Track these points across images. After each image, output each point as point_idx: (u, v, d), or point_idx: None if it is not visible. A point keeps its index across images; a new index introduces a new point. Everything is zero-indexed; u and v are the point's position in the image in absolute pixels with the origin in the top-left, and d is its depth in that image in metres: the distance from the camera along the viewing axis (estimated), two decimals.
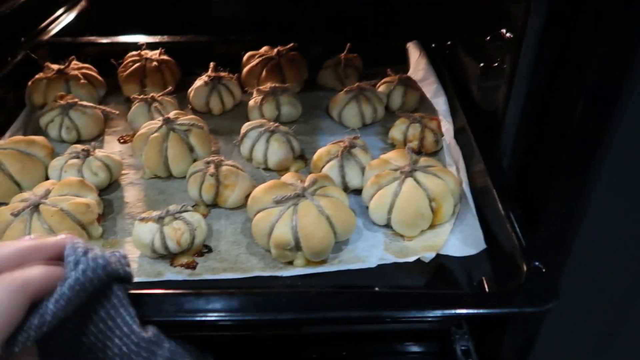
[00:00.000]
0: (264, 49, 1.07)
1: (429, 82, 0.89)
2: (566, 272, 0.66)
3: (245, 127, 0.85)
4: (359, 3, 1.25)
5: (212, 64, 1.01)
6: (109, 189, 0.81)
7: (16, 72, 1.04)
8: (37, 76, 1.00)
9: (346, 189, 0.78)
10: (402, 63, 1.08)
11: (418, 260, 0.66)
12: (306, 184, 0.69)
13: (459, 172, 0.76)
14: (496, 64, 0.79)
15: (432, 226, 0.71)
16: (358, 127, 0.93)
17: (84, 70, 1.02)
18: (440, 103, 0.84)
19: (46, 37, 1.16)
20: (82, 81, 0.99)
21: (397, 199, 0.69)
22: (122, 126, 0.97)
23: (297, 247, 0.66)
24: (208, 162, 0.76)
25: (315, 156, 0.81)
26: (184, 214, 0.69)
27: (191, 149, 0.82)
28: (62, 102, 0.91)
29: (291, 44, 1.05)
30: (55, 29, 1.20)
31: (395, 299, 0.55)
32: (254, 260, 0.68)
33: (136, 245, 0.69)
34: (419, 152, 0.86)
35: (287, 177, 0.72)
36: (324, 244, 0.65)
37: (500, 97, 0.75)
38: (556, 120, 0.67)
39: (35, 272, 0.37)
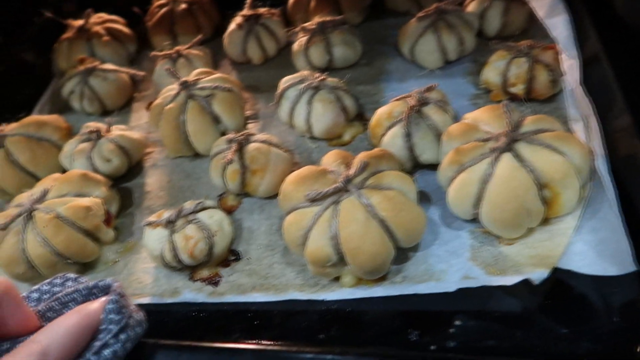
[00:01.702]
0: None
1: None
2: None
3: (282, 83, 0.65)
4: None
5: None
6: (129, 175, 0.68)
7: (44, 34, 0.92)
8: (62, 37, 0.87)
9: (416, 165, 0.56)
10: None
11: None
12: (352, 170, 0.49)
13: (589, 135, 0.50)
14: None
15: (545, 221, 0.48)
16: (438, 66, 0.69)
17: (108, 25, 0.87)
18: (558, 25, 0.56)
19: None
20: (105, 38, 0.85)
21: (487, 188, 0.46)
22: (153, 89, 0.82)
23: (343, 261, 0.47)
24: (231, 141, 0.59)
25: (373, 120, 0.59)
26: (200, 214, 0.54)
27: (216, 120, 0.65)
28: (81, 67, 0.78)
29: None
30: None
31: None
32: (290, 273, 0.52)
33: (149, 256, 0.55)
34: (527, 99, 0.60)
35: (329, 158, 0.52)
36: (377, 261, 0.46)
37: None
38: None
39: None
